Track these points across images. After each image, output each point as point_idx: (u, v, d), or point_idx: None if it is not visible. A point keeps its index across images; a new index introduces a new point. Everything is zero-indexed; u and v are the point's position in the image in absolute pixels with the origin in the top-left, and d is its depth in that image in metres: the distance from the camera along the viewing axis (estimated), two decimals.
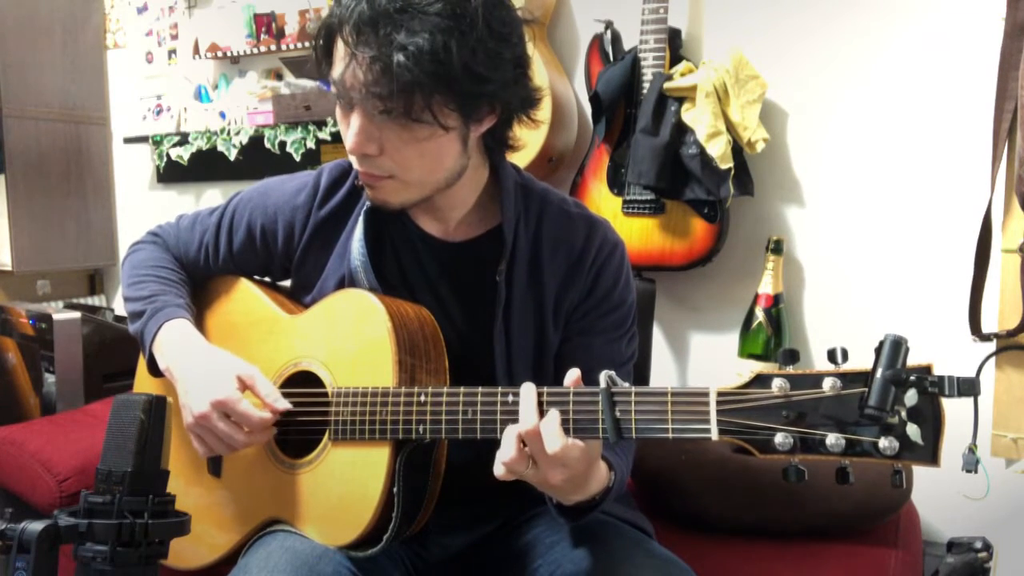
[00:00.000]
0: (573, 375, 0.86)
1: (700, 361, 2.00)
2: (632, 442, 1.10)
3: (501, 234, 1.05)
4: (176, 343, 1.08)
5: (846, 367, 0.76)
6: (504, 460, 0.83)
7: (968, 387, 0.71)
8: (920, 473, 1.45)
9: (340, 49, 0.92)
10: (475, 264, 1.07)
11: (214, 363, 1.03)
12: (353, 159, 0.99)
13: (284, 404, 1.01)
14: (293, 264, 1.14)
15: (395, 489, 0.93)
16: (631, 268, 1.14)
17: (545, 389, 0.86)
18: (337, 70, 0.93)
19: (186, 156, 2.68)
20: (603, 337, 1.08)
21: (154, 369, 1.11)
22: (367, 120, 0.93)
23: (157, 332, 1.09)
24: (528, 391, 0.85)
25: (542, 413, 0.84)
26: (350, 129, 0.95)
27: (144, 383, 1.21)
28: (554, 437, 0.82)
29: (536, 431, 0.82)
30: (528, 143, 1.87)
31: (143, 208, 3.00)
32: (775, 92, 1.82)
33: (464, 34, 0.88)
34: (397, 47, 0.86)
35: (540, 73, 1.89)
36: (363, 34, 0.88)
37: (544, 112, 1.87)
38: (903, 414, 0.74)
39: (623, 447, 1.04)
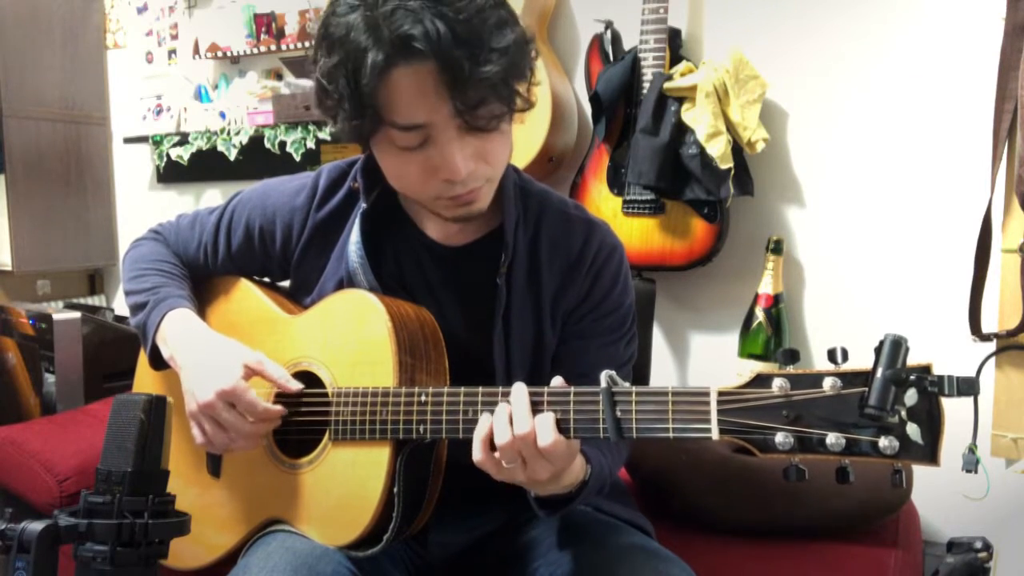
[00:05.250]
0: (556, 382, 0.87)
1: (700, 361, 2.00)
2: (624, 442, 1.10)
3: (501, 236, 1.05)
4: (180, 332, 1.07)
5: (846, 367, 0.76)
6: (494, 448, 0.85)
7: (968, 387, 0.71)
8: (920, 473, 1.45)
9: (412, 86, 0.86)
10: (475, 267, 1.07)
11: (220, 351, 1.03)
12: (446, 187, 0.93)
13: (296, 385, 1.01)
14: (291, 265, 1.14)
15: (395, 489, 0.94)
16: (630, 270, 1.13)
17: (545, 389, 0.86)
18: (420, 110, 0.87)
19: (186, 156, 2.68)
20: (600, 340, 1.08)
21: (156, 361, 1.10)
22: (468, 139, 0.90)
23: (160, 322, 1.08)
24: (520, 392, 0.85)
25: (535, 413, 0.84)
26: (448, 159, 0.90)
27: (144, 383, 1.21)
28: (548, 432, 0.83)
29: (531, 433, 0.83)
30: (528, 143, 1.89)
31: (143, 208, 3.00)
32: (775, 92, 1.82)
33: (509, 10, 0.90)
34: (491, 51, 0.85)
35: (540, 73, 1.89)
36: (466, 57, 0.84)
37: (544, 111, 1.87)
38: (903, 414, 0.74)
39: (610, 444, 1.04)
